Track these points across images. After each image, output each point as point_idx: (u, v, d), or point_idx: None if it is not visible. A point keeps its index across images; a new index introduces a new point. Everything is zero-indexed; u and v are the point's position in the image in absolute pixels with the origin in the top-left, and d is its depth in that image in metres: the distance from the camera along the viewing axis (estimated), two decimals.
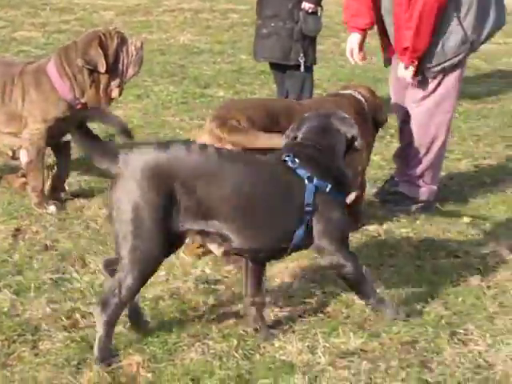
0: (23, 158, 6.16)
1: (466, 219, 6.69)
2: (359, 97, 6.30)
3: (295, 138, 5.04)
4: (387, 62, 6.98)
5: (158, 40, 13.15)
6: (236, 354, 4.25)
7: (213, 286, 5.15)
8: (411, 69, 6.40)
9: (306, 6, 7.91)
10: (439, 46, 6.45)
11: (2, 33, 13.55)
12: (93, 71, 6.25)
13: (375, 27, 6.90)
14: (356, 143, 5.09)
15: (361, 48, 6.85)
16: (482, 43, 6.70)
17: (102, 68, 6.06)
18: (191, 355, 4.24)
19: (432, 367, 4.25)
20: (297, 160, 4.76)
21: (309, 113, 5.40)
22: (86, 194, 6.89)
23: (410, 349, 4.43)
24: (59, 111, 6.06)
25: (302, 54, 7.96)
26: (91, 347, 4.20)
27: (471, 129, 8.73)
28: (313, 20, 8.05)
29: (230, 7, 15.60)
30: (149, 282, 4.90)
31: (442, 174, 7.55)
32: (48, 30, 14.03)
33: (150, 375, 4.04)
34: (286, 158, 4.79)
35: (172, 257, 5.32)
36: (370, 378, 4.09)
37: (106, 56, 6.25)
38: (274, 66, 8.80)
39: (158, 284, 5.06)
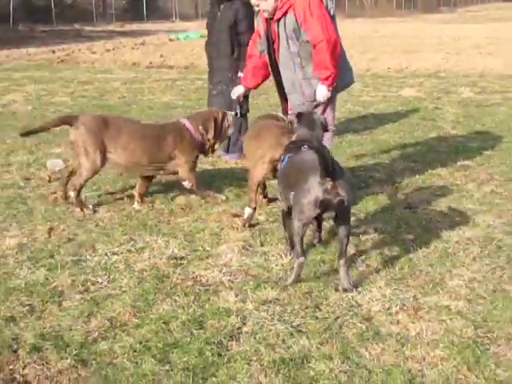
0: (188, 184, 6.77)
1: None
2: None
3: None
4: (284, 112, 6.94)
5: (147, 100, 13.50)
6: (193, 305, 4.52)
7: (179, 261, 5.30)
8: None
9: (241, 75, 7.78)
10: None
11: (44, 98, 13.93)
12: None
13: None
14: None
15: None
16: (342, 90, 6.92)
17: (211, 135, 6.73)
18: (163, 306, 4.51)
19: (321, 308, 4.53)
20: None
21: None
22: (98, 203, 6.96)
23: (307, 296, 4.68)
24: (196, 152, 6.78)
25: (238, 106, 7.97)
26: (97, 304, 4.54)
27: (353, 152, 8.50)
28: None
29: (196, 76, 15.85)
30: (136, 258, 5.27)
31: None
32: (75, 95, 14.61)
33: (137, 320, 4.33)
34: None
35: (152, 241, 5.69)
36: (281, 316, 4.37)
37: (215, 127, 6.81)
38: None
39: (142, 261, 5.29)
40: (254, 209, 6.20)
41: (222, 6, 8.13)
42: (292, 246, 5.08)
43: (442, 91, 14.68)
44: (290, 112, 6.45)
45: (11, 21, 43.65)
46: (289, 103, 6.74)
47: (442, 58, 21.88)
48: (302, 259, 4.81)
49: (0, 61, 23.33)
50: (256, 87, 7.16)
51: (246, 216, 6.16)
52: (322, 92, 6.31)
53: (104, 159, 6.53)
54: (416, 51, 24.84)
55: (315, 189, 4.51)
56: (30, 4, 49.15)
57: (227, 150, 8.79)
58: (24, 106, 12.97)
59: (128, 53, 26.45)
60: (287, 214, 5.16)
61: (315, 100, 6.39)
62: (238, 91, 7.13)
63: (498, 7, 78.92)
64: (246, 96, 8.01)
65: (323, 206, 4.55)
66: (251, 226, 6.11)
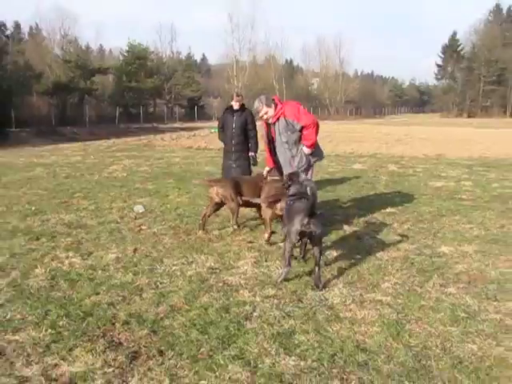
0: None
1: None
2: None
3: None
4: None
5: (196, 169, 13.90)
6: (222, 298, 4.53)
7: (214, 270, 5.30)
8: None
9: (252, 154, 7.95)
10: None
11: (134, 168, 14.13)
12: None
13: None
14: None
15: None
16: (318, 161, 6.76)
17: None
18: (204, 299, 4.50)
19: (303, 301, 4.48)
20: None
21: None
22: (166, 233, 6.94)
23: (294, 293, 4.64)
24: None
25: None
26: (163, 296, 4.51)
27: (323, 202, 8.23)
28: (255, 159, 8.23)
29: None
30: (187, 268, 5.04)
31: None
32: (152, 166, 14.55)
33: (187, 307, 4.31)
34: None
35: (197, 258, 5.59)
36: (277, 306, 4.35)
37: None
38: None
39: (191, 270, 5.26)
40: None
41: (236, 114, 8.25)
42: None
43: (378, 166, 14.63)
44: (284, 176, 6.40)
45: (116, 121, 44.52)
46: (284, 173, 6.59)
47: (378, 146, 21.98)
48: (288, 267, 4.82)
49: (108, 145, 23.65)
50: (275, 165, 6.92)
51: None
52: (307, 151, 6.37)
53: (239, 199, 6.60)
54: (361, 141, 25.03)
55: (298, 224, 4.66)
56: (128, 112, 50.01)
57: None
58: (122, 173, 13.01)
59: (185, 140, 26.76)
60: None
61: (300, 168, 6.33)
62: (266, 170, 6.95)
63: (410, 116, 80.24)
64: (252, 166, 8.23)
65: (301, 234, 4.74)
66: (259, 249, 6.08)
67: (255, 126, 8.26)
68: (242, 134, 8.20)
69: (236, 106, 8.21)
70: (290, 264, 4.83)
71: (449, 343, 3.72)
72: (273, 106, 6.36)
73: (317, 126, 6.35)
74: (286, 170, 6.46)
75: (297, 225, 4.69)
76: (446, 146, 22.30)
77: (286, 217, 5.01)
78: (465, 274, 5.16)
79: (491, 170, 13.67)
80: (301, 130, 6.30)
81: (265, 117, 6.47)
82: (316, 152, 6.55)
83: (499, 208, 8.50)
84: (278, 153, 6.61)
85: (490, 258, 5.70)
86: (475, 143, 24.10)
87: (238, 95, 8.34)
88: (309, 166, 6.50)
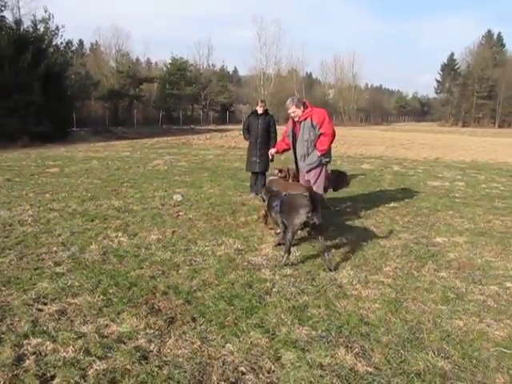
0: None
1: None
2: None
3: None
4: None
5: (227, 165, 14.26)
6: (247, 275, 4.54)
7: (240, 252, 5.31)
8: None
9: (272, 151, 7.86)
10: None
11: (173, 163, 14.45)
12: None
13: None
14: None
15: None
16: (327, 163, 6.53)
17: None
18: (231, 276, 4.53)
19: (316, 280, 4.49)
20: None
21: None
22: (200, 218, 6.97)
23: (308, 274, 4.64)
24: None
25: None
26: (196, 272, 4.54)
27: (336, 196, 8.17)
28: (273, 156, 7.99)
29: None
30: (217, 249, 5.04)
31: None
32: (189, 162, 14.96)
33: (217, 282, 4.37)
34: None
35: (226, 240, 5.59)
36: (294, 284, 4.36)
37: None
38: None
39: (221, 250, 5.28)
40: None
41: (261, 117, 8.28)
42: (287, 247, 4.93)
43: (384, 166, 14.50)
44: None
45: (159, 123, 44.78)
46: (299, 167, 6.61)
47: (384, 149, 21.72)
48: (288, 254, 4.83)
49: (152, 143, 23.78)
50: (282, 152, 6.85)
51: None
52: (318, 154, 6.28)
53: None
54: (370, 145, 24.74)
55: (304, 215, 4.65)
56: (170, 115, 50.27)
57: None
58: (163, 167, 13.07)
59: (218, 140, 26.79)
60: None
61: (310, 165, 6.33)
62: (272, 151, 6.89)
63: (412, 124, 79.06)
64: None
65: (305, 224, 4.75)
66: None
67: (276, 128, 8.37)
68: (265, 135, 8.31)
69: (260, 110, 8.29)
70: (290, 252, 4.84)
71: (439, 319, 3.70)
72: (302, 107, 6.31)
73: (333, 137, 6.30)
74: (300, 165, 6.47)
75: (302, 216, 4.66)
76: (443, 150, 21.92)
77: (287, 210, 4.95)
78: (455, 261, 5.12)
79: (481, 173, 13.42)
80: (320, 135, 6.26)
81: (292, 114, 6.44)
82: (327, 155, 6.46)
83: (487, 205, 8.38)
84: (297, 147, 6.53)
85: (477, 248, 5.64)
86: (468, 149, 23.66)
87: (262, 101, 8.49)
88: (318, 165, 6.42)
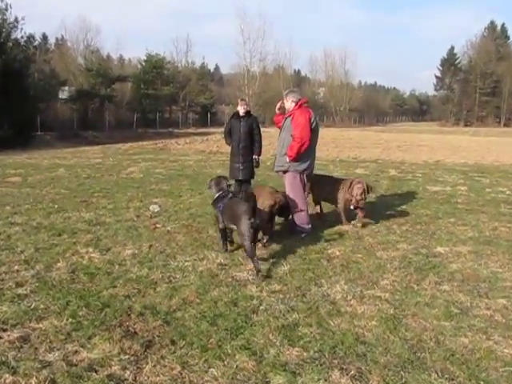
0: None
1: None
2: None
3: None
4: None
5: (208, 171, 13.93)
6: (231, 292, 4.55)
7: (224, 267, 5.30)
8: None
9: (255, 157, 7.88)
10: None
11: (150, 170, 14.45)
12: None
13: None
14: None
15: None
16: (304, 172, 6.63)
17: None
18: (214, 293, 4.54)
19: (306, 296, 4.50)
20: None
21: None
22: (179, 231, 6.96)
23: (298, 289, 4.65)
24: None
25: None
26: (176, 290, 4.54)
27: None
28: (257, 162, 8.06)
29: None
30: (199, 264, 5.03)
31: None
32: (167, 168, 14.63)
33: (198, 300, 4.37)
34: None
35: (209, 254, 5.59)
36: (282, 300, 4.38)
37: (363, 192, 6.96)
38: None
39: (202, 266, 5.28)
40: None
41: (243, 119, 8.28)
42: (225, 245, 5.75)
43: (379, 171, 14.64)
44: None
45: (134, 126, 44.66)
46: (275, 162, 6.81)
47: (379, 152, 21.93)
48: (255, 258, 5.02)
49: (126, 149, 23.73)
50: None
51: None
52: (286, 159, 6.43)
53: None
54: (364, 147, 24.94)
55: (247, 223, 5.07)
56: (145, 117, 50.12)
57: None
58: (138, 174, 13.07)
59: (198, 144, 26.85)
60: (224, 230, 5.76)
61: (277, 168, 6.67)
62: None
63: (410, 124, 79.92)
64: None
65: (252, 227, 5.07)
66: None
67: (260, 130, 8.35)
68: (248, 139, 8.28)
69: (242, 110, 8.26)
70: (255, 254, 5.06)
71: (442, 337, 3.73)
72: (293, 104, 6.47)
73: (302, 145, 6.30)
74: (277, 162, 6.66)
75: (247, 223, 5.06)
76: (444, 152, 22.24)
77: (230, 217, 5.41)
78: (459, 273, 5.18)
79: (485, 176, 13.62)
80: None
81: (278, 105, 6.75)
82: (299, 163, 6.47)
83: (492, 211, 8.50)
84: (277, 142, 6.72)
85: (482, 258, 5.71)
86: (471, 150, 24.02)
87: (242, 100, 8.44)
88: (289, 171, 6.50)
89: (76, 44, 50.50)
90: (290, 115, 6.43)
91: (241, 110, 8.30)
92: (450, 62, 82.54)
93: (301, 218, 6.56)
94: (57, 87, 41.01)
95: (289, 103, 6.51)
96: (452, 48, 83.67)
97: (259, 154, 8.30)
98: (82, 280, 4.82)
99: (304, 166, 6.55)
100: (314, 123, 6.53)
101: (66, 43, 52.25)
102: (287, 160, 6.42)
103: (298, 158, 6.40)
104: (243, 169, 8.28)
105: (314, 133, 6.48)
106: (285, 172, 6.60)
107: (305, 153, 6.43)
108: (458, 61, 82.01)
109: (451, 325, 3.93)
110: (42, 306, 4.17)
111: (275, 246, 6.10)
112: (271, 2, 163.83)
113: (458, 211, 8.48)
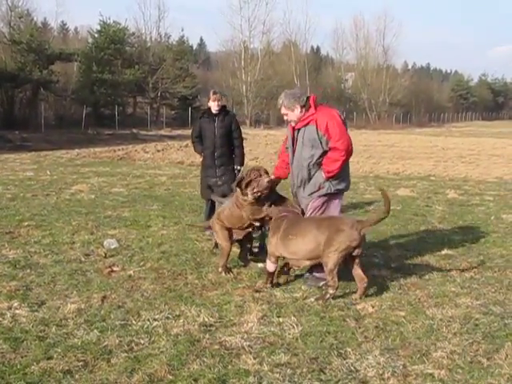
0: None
1: None
2: None
3: None
4: None
5: (188, 192, 13.54)
6: (218, 365, 4.53)
7: (208, 328, 5.29)
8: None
9: (237, 167, 8.11)
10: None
11: (105, 189, 14.13)
12: None
13: None
14: None
15: None
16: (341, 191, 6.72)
17: None
18: (194, 366, 4.50)
19: (325, 372, 4.46)
20: None
21: None
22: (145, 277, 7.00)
23: (314, 361, 4.63)
24: None
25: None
26: (139, 362, 4.54)
27: None
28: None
29: None
30: (173, 324, 5.08)
31: None
32: (129, 187, 14.84)
33: (171, 377, 4.33)
34: None
35: (187, 310, 5.65)
36: (291, 378, 4.37)
37: None
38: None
39: (178, 326, 5.26)
40: None
41: (217, 118, 8.29)
42: None
43: (432, 192, 14.74)
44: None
45: (83, 125, 44.61)
46: (298, 197, 6.73)
47: (432, 165, 22.08)
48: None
49: (71, 158, 23.90)
50: (286, 177, 7.02)
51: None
52: (323, 178, 6.38)
53: None
54: (410, 158, 25.13)
55: None
56: (99, 113, 50.27)
57: None
58: (88, 195, 13.13)
59: (174, 153, 27.00)
60: None
61: (308, 196, 6.50)
62: (272, 181, 6.74)
63: (479, 125, 79.51)
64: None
65: None
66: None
67: (241, 132, 8.38)
68: (226, 144, 8.32)
69: (215, 107, 8.29)
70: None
71: None
72: (298, 107, 6.44)
73: (348, 155, 6.38)
74: (299, 194, 6.61)
75: None
76: None
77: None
78: None
79: None
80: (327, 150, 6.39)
81: (285, 118, 6.62)
82: (338, 179, 6.52)
83: None
84: (293, 168, 6.66)
85: None
86: None
87: (215, 93, 8.45)
88: (322, 196, 6.52)
89: None
90: (306, 123, 6.37)
91: (213, 105, 8.31)
92: None
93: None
94: None
95: (291, 111, 6.44)
96: None
97: (242, 164, 8.40)
98: (1, 349, 4.78)
99: (345, 183, 6.63)
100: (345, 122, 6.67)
101: None
102: (323, 176, 6.42)
103: (337, 173, 6.45)
104: (222, 184, 8.40)
105: None
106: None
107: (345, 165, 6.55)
108: None
109: None
110: None
111: (280, 297, 6.13)
112: None
113: None
